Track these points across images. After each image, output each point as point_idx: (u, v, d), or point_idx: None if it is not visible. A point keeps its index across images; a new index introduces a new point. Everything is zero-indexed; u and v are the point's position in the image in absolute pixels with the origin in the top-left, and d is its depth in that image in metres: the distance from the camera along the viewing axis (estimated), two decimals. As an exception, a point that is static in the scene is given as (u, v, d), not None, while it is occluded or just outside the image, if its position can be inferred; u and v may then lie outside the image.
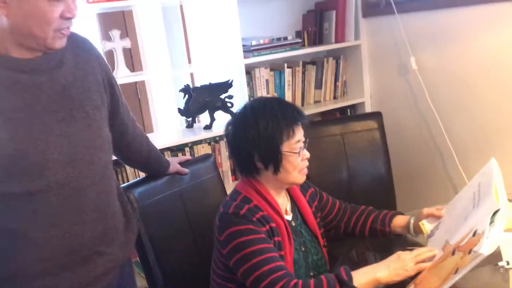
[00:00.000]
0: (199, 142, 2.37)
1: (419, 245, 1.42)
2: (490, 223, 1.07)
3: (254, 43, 2.38)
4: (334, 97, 2.72)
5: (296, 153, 1.37)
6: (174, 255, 1.68)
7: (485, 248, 1.02)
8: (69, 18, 1.14)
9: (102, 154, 1.30)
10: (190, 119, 2.43)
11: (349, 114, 2.72)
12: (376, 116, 2.32)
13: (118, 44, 2.11)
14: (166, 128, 2.44)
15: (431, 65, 2.24)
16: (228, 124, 1.45)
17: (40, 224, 1.19)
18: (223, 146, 2.43)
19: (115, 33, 2.11)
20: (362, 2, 2.55)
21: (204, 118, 2.48)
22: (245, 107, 1.43)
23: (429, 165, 2.38)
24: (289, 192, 1.50)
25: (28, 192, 1.16)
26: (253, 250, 1.27)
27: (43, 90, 1.17)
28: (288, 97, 2.57)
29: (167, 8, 2.18)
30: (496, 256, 1.29)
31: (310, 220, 1.50)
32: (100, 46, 2.06)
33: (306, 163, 1.41)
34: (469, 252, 1.08)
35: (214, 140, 2.41)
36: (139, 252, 1.67)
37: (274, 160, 1.36)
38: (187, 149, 2.34)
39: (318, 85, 2.68)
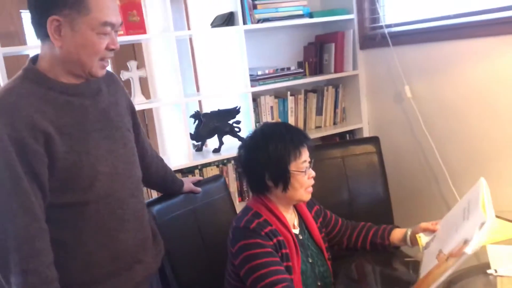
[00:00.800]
0: (208, 164, 2.52)
1: (416, 258, 1.57)
2: (477, 232, 1.21)
3: (259, 73, 2.56)
4: (334, 123, 2.88)
5: (303, 172, 1.52)
6: (189, 268, 1.81)
7: (469, 249, 1.16)
8: (113, 50, 1.30)
9: (137, 169, 1.46)
10: (199, 143, 2.59)
11: (348, 138, 2.87)
12: (374, 140, 2.48)
13: (135, 73, 2.28)
14: (176, 152, 2.59)
15: (424, 94, 2.41)
16: (240, 147, 1.60)
17: (90, 232, 1.31)
18: (230, 168, 2.58)
19: (132, 64, 2.28)
20: (359, 36, 2.73)
21: (211, 142, 2.63)
22: (255, 132, 1.59)
23: (424, 187, 2.52)
24: (297, 209, 1.65)
25: (80, 203, 1.28)
26: (259, 263, 1.40)
27: (89, 111, 1.32)
28: (291, 122, 2.73)
29: (178, 40, 2.35)
30: (487, 265, 1.45)
31: (316, 234, 1.63)
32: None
33: (312, 181, 1.57)
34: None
35: (222, 163, 2.56)
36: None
37: (283, 179, 1.51)
38: (196, 171, 2.49)
39: (319, 112, 2.84)
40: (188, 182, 1.91)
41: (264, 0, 2.53)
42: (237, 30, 2.43)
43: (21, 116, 1.18)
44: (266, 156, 1.51)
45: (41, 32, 1.25)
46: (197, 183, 1.96)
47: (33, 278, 1.17)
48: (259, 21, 2.50)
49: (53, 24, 1.21)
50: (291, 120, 2.74)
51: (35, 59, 1.31)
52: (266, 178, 1.53)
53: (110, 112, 1.38)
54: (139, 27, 2.21)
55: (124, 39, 2.19)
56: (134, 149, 1.46)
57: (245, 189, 2.64)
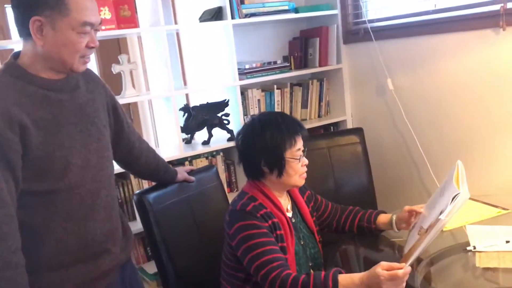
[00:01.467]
0: (198, 156, 2.58)
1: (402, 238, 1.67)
2: (451, 203, 1.30)
3: (247, 66, 2.63)
4: (319, 116, 2.97)
5: (297, 159, 1.60)
6: (184, 252, 1.87)
7: (443, 215, 1.25)
8: (93, 48, 1.37)
9: (109, 164, 1.52)
10: (188, 135, 2.64)
11: (332, 130, 2.97)
12: (358, 131, 2.58)
13: (126, 67, 2.32)
14: (166, 144, 2.64)
15: (406, 86, 2.52)
16: (238, 134, 1.67)
17: (60, 219, 1.36)
18: (219, 160, 2.65)
19: (124, 57, 2.32)
20: (343, 31, 2.83)
21: (199, 134, 2.69)
22: (253, 120, 1.66)
23: (406, 175, 2.63)
24: (290, 193, 1.73)
25: (51, 191, 1.33)
26: (255, 242, 1.47)
27: (65, 106, 1.38)
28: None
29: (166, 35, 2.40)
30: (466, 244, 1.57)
31: (307, 218, 1.72)
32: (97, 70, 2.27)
33: (305, 168, 1.65)
34: None
35: (211, 155, 2.63)
36: (153, 251, 1.86)
37: (279, 166, 1.59)
38: (186, 163, 2.55)
39: (304, 105, 2.93)
40: (181, 172, 1.97)
41: (251, -5, 2.60)
42: (226, 25, 2.49)
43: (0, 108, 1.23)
44: (263, 143, 1.59)
45: (24, 31, 1.31)
46: (190, 172, 2.02)
47: None
48: (247, 15, 2.57)
49: (35, 24, 1.28)
50: (277, 113, 2.82)
51: (17, 55, 1.36)
52: (262, 164, 1.60)
53: (86, 108, 1.44)
54: (130, 21, 2.25)
55: (115, 33, 2.23)
56: (109, 144, 1.52)
57: (233, 180, 2.71)
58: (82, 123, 1.41)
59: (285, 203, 1.68)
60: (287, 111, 2.86)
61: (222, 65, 2.65)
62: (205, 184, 2.05)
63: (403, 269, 1.27)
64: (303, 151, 1.63)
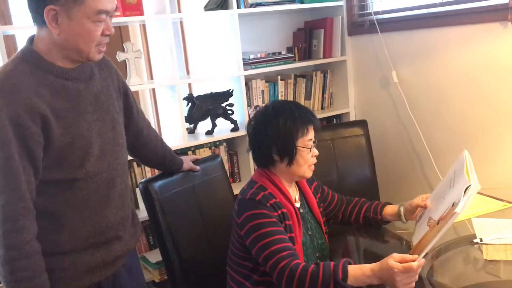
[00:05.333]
0: (201, 146, 2.58)
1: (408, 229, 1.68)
2: (464, 195, 1.30)
3: (252, 56, 2.61)
4: (322, 107, 2.97)
5: (308, 148, 1.59)
6: (189, 241, 1.86)
7: (458, 208, 1.25)
8: (108, 35, 1.35)
9: (124, 152, 1.53)
10: (192, 125, 2.64)
11: (335, 122, 2.97)
12: (362, 123, 2.58)
13: (131, 55, 2.31)
14: (169, 133, 2.63)
15: (411, 79, 2.52)
16: (250, 120, 1.67)
17: (77, 206, 1.38)
18: (222, 150, 2.64)
19: (129, 45, 2.30)
20: (347, 22, 2.82)
21: (202, 124, 2.68)
22: (266, 107, 1.66)
23: (409, 167, 2.64)
24: (298, 184, 1.73)
25: (69, 180, 1.34)
26: (265, 232, 1.47)
27: (82, 95, 1.38)
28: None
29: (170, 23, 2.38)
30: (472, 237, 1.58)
31: (315, 209, 1.72)
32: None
33: (315, 159, 1.64)
34: None
35: (214, 145, 2.62)
36: (158, 240, 1.85)
37: (290, 153, 1.58)
38: (189, 152, 2.54)
39: (308, 96, 2.92)
40: (187, 161, 1.97)
41: (256, -15, 2.58)
42: (231, 14, 2.48)
43: (21, 98, 1.23)
44: (275, 130, 1.58)
45: (38, 18, 1.30)
46: (195, 162, 2.01)
47: (13, 252, 1.23)
48: (252, 5, 2.56)
49: (50, 13, 1.26)
50: (281, 104, 2.81)
51: (31, 39, 1.35)
52: (273, 152, 1.60)
53: (101, 96, 1.44)
54: (136, 8, 2.23)
55: (120, 20, 2.21)
56: (123, 132, 1.52)
57: (236, 170, 2.71)
58: (97, 112, 1.41)
59: (294, 193, 1.68)
60: (290, 102, 2.85)
61: (227, 55, 2.63)
62: (210, 173, 2.04)
63: (417, 261, 1.27)
64: (314, 141, 1.63)
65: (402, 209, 1.69)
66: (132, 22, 2.35)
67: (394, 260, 1.27)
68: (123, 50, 2.30)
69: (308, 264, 1.39)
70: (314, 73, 2.91)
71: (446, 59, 2.33)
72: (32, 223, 1.27)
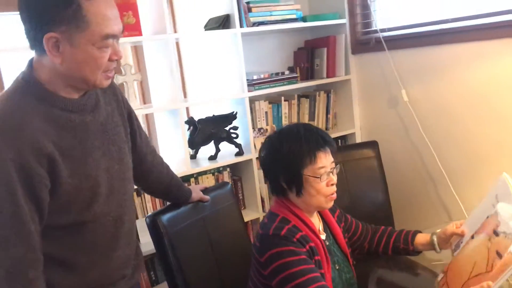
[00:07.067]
0: (204, 172, 2.42)
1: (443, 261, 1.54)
2: None
3: (255, 77, 2.49)
4: (326, 128, 2.86)
5: (318, 177, 1.43)
6: (200, 277, 1.72)
7: None
8: (116, 60, 1.21)
9: (131, 185, 1.41)
10: (193, 150, 2.49)
11: (339, 144, 2.85)
12: (373, 145, 2.46)
13: (130, 77, 2.16)
14: (170, 160, 2.47)
15: (421, 97, 2.42)
16: (262, 146, 1.54)
17: (85, 250, 1.26)
18: (226, 176, 2.49)
19: (127, 68, 2.16)
20: (351, 40, 2.73)
21: (203, 149, 2.53)
22: (275, 132, 1.53)
23: (424, 190, 2.52)
24: (320, 213, 1.59)
25: (77, 223, 1.23)
26: (295, 272, 1.32)
27: (89, 128, 1.25)
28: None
29: (165, 44, 2.25)
30: None
31: (340, 239, 1.58)
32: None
33: (333, 188, 1.48)
34: (494, 233, 1.19)
35: (218, 171, 2.48)
36: (167, 276, 1.69)
37: (296, 183, 1.44)
38: (192, 179, 2.39)
39: (311, 117, 2.81)
40: (196, 190, 1.82)
41: (258, 3, 2.48)
42: (234, 33, 2.36)
43: (26, 139, 1.10)
44: (279, 157, 1.45)
45: (37, 46, 1.15)
46: (204, 191, 1.86)
47: None
48: (255, 24, 2.45)
49: (50, 41, 1.11)
50: (285, 126, 2.69)
51: (31, 64, 1.20)
52: (280, 180, 1.46)
53: (107, 125, 1.31)
54: (135, 28, 2.10)
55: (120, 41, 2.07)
56: (130, 164, 1.40)
57: (240, 197, 2.56)
58: (104, 145, 1.28)
59: (317, 223, 1.54)
60: (294, 124, 2.73)
61: (228, 76, 2.51)
62: (220, 203, 1.89)
63: None
64: (333, 168, 1.49)
65: (435, 238, 1.56)
66: (131, 43, 2.21)
67: None
68: (120, 72, 2.16)
69: None
70: (317, 93, 2.80)
71: (458, 76, 2.25)
72: (42, 275, 1.16)
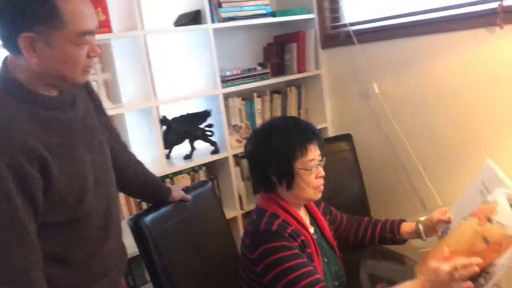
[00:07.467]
0: (179, 172, 2.37)
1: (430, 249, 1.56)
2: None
3: (228, 73, 2.46)
4: (298, 124, 2.85)
5: (309, 170, 1.44)
6: (187, 280, 1.68)
7: None
8: (94, 57, 1.20)
9: (113, 175, 1.40)
10: (167, 150, 2.43)
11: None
12: (347, 138, 2.49)
13: (100, 77, 2.09)
14: (144, 160, 2.40)
15: (393, 89, 2.46)
16: (248, 141, 1.52)
17: (80, 245, 1.26)
18: (202, 175, 2.45)
19: (97, 66, 2.08)
20: (320, 35, 2.74)
21: (177, 148, 2.48)
22: (263, 125, 1.52)
23: (398, 180, 2.55)
24: (306, 207, 1.58)
25: (70, 219, 1.22)
26: (289, 266, 1.30)
27: (72, 124, 1.24)
28: (259, 124, 2.66)
29: (131, 41, 2.19)
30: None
31: (327, 232, 1.58)
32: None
33: (321, 181, 1.49)
34: (488, 220, 1.21)
35: (193, 170, 2.43)
36: (154, 280, 1.63)
37: (287, 177, 1.43)
38: (167, 180, 2.33)
39: (284, 113, 2.80)
40: (177, 190, 1.78)
41: (228, -1, 2.45)
42: (205, 29, 2.32)
43: (17, 142, 1.09)
44: (269, 151, 1.44)
45: (11, 47, 1.12)
46: (185, 190, 1.82)
47: None
48: (225, 19, 2.41)
49: (25, 41, 1.09)
50: (258, 122, 2.67)
51: (5, 64, 1.17)
52: (270, 175, 1.45)
53: (86, 120, 1.31)
54: (104, 25, 2.02)
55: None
56: (109, 154, 1.40)
57: (217, 195, 2.52)
58: (87, 139, 1.28)
59: (305, 217, 1.54)
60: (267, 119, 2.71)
61: (199, 73, 2.47)
62: (202, 202, 1.86)
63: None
64: (320, 161, 1.49)
65: (421, 226, 1.58)
66: (100, 40, 2.13)
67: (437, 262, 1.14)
68: (90, 71, 2.07)
69: None
70: (288, 88, 2.79)
71: (428, 67, 2.29)
72: (42, 275, 1.16)
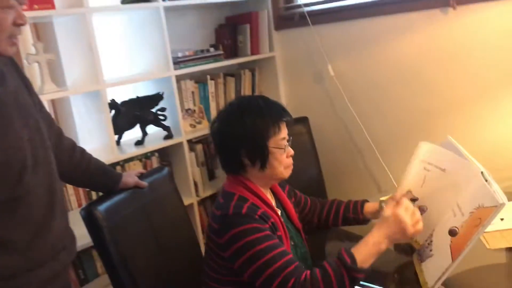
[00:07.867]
0: (130, 159, 2.26)
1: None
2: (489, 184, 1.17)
3: (180, 55, 2.36)
4: (252, 107, 2.80)
5: (282, 149, 1.41)
6: (145, 268, 1.58)
7: (500, 198, 1.09)
8: (21, 25, 1.16)
9: (52, 153, 1.33)
10: (117, 136, 2.30)
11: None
12: (303, 121, 2.47)
13: (43, 57, 1.92)
14: (93, 147, 2.26)
15: (348, 71, 2.46)
16: (213, 121, 1.45)
17: (24, 226, 1.20)
18: (155, 162, 2.35)
19: (39, 46, 1.92)
20: (274, 16, 2.69)
21: (128, 133, 2.36)
22: (230, 105, 1.45)
23: (354, 162, 2.57)
24: (272, 189, 1.53)
25: (12, 198, 1.17)
26: (261, 249, 1.25)
27: (4, 100, 1.18)
28: (213, 108, 2.59)
29: (73, 20, 2.04)
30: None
31: (293, 215, 1.54)
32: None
33: (291, 160, 1.46)
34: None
35: (146, 157, 2.32)
36: (111, 274, 1.53)
37: (261, 156, 1.39)
38: (118, 167, 2.21)
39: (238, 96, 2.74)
40: (132, 176, 1.67)
41: (179, -24, 2.34)
42: (156, 8, 2.20)
43: None
44: (242, 131, 1.38)
45: None
46: (140, 177, 1.72)
47: None
48: (176, -3, 2.31)
49: None
50: (212, 106, 2.59)
51: None
52: (242, 155, 1.39)
53: (19, 97, 1.25)
54: (47, 1, 1.86)
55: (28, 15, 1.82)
56: (45, 131, 1.33)
57: (171, 182, 2.42)
58: (22, 116, 1.22)
59: (271, 200, 1.49)
60: (221, 103, 2.64)
61: (149, 53, 2.34)
62: (159, 189, 1.76)
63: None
64: (288, 140, 1.45)
65: (384, 206, 1.58)
66: (42, 18, 1.97)
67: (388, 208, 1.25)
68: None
69: (313, 270, 1.23)
70: (242, 71, 2.73)
71: (382, 48, 2.30)
72: None
